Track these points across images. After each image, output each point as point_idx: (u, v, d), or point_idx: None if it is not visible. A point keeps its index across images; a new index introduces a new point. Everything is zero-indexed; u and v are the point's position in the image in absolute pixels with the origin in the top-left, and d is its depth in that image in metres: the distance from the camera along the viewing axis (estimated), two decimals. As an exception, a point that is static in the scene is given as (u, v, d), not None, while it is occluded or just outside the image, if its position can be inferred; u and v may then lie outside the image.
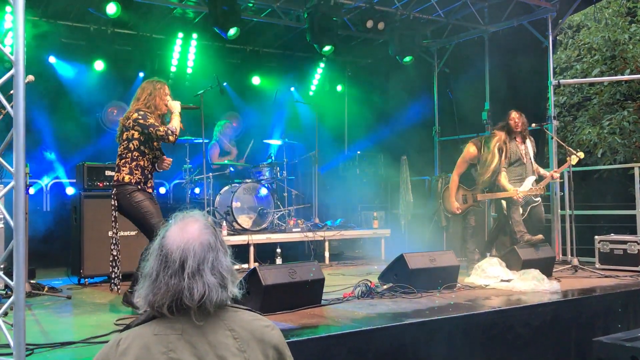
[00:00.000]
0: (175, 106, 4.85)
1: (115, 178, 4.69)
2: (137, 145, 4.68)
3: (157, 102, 4.78)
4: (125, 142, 4.68)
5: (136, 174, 4.66)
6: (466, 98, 9.24)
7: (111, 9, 6.92)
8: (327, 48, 8.35)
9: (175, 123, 4.77)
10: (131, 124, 4.65)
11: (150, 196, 4.74)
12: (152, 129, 4.62)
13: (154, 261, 1.76)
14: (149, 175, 4.79)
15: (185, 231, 1.79)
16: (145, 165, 4.73)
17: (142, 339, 1.71)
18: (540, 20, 8.37)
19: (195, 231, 1.80)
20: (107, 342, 1.80)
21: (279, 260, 7.22)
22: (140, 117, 4.63)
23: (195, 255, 1.75)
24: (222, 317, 1.78)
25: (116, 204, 4.67)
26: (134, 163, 4.68)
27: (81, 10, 7.65)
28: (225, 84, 9.49)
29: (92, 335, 3.73)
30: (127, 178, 4.64)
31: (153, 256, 1.78)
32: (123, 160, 4.68)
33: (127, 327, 1.80)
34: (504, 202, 6.63)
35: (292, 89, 10.56)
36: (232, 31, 7.59)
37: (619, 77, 11.20)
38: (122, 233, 6.29)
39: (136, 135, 4.66)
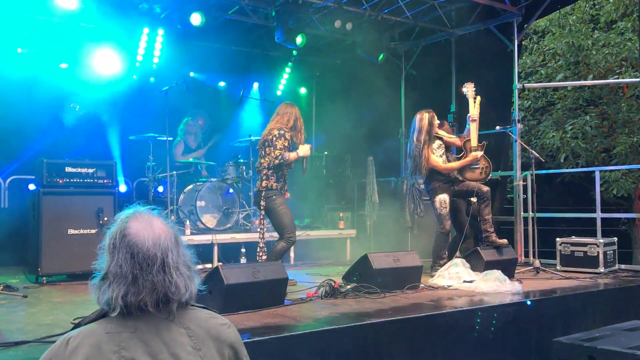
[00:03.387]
0: (304, 151, 5.97)
1: (263, 185, 5.84)
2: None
3: (298, 125, 6.03)
4: (270, 154, 5.82)
5: (280, 181, 5.89)
6: (432, 100, 9.30)
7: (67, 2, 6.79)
8: (299, 40, 8.33)
9: (292, 156, 5.85)
10: (270, 140, 5.85)
11: (285, 200, 5.93)
12: (271, 147, 5.83)
13: (122, 262, 1.69)
14: (285, 181, 6.00)
15: (153, 227, 1.75)
16: (285, 173, 5.98)
17: (93, 337, 1.66)
18: (506, 24, 8.46)
19: (162, 226, 1.78)
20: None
21: (243, 260, 7.15)
22: (275, 136, 5.83)
23: (172, 250, 1.74)
24: (177, 315, 1.74)
25: (265, 205, 5.81)
26: (280, 172, 5.89)
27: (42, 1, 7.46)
28: (192, 74, 9.43)
29: (47, 334, 3.62)
30: (274, 185, 5.84)
31: (117, 257, 1.71)
32: (271, 171, 5.84)
33: (77, 325, 1.74)
34: (473, 199, 6.63)
35: (256, 85, 10.45)
36: (198, 18, 7.57)
37: (582, 82, 11.41)
38: (81, 231, 6.22)
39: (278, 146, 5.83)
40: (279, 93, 11.06)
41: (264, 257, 5.92)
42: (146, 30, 8.74)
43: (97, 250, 1.78)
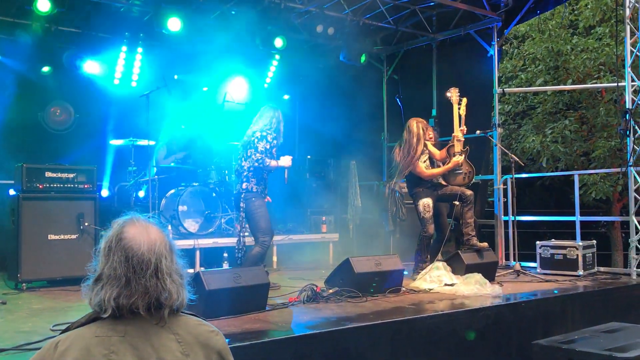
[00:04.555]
0: (285, 162, 6.02)
1: (243, 186, 5.89)
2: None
3: (280, 128, 6.15)
4: (251, 157, 5.86)
5: (261, 183, 5.95)
6: (414, 104, 9.37)
7: (44, 5, 6.76)
8: (280, 42, 8.32)
9: (272, 163, 5.92)
10: (252, 142, 5.90)
11: (265, 203, 6.00)
12: (252, 149, 5.86)
13: (116, 264, 1.72)
14: (267, 185, 6.08)
15: (149, 233, 1.79)
16: (265, 176, 6.02)
17: (82, 340, 1.67)
18: (487, 29, 8.56)
19: (158, 232, 1.81)
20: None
21: (225, 265, 7.13)
22: (258, 138, 5.88)
23: (166, 257, 1.77)
24: (167, 321, 1.76)
25: (244, 206, 5.88)
26: (260, 175, 5.94)
27: (21, 6, 7.41)
28: (176, 76, 9.41)
29: (25, 341, 3.59)
30: (255, 188, 5.89)
31: (112, 259, 1.73)
32: (252, 173, 5.88)
33: (67, 329, 1.75)
34: (457, 203, 6.66)
35: (239, 88, 10.35)
36: (176, 24, 7.60)
37: (562, 87, 11.56)
38: (62, 236, 6.17)
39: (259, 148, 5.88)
40: (262, 96, 11.03)
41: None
42: (126, 34, 8.69)
43: (93, 253, 1.81)
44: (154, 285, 1.72)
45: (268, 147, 5.94)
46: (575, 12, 12.46)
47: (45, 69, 8.53)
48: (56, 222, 6.18)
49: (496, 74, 8.46)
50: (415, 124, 6.62)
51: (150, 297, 1.71)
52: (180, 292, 1.79)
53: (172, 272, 1.78)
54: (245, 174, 5.94)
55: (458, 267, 6.05)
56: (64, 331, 1.74)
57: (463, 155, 6.55)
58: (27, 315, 4.68)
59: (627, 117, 6.73)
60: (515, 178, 7.38)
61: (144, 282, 1.71)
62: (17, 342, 3.61)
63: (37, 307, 5.09)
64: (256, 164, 5.83)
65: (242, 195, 5.90)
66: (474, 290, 5.52)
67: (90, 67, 8.81)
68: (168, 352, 1.70)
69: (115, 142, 8.27)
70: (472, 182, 6.75)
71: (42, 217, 6.11)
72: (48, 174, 6.25)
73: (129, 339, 1.68)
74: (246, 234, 6.17)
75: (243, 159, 6.01)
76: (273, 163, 5.94)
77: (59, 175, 6.32)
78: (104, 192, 8.70)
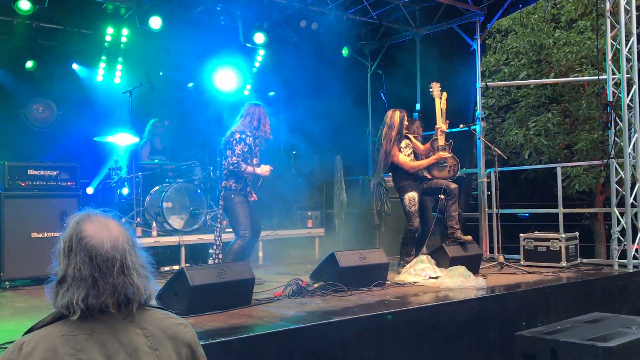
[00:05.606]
0: (262, 170, 5.98)
1: (222, 184, 5.91)
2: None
3: (263, 127, 6.02)
4: (228, 158, 5.83)
5: (240, 182, 5.89)
6: (398, 99, 9.39)
7: (24, 4, 6.77)
8: (261, 38, 8.34)
9: (249, 169, 5.87)
10: (230, 142, 5.86)
11: (246, 200, 5.97)
12: (230, 151, 5.82)
13: (80, 265, 1.68)
14: (249, 183, 6.05)
15: (110, 229, 1.74)
16: (246, 176, 5.94)
17: (48, 340, 1.64)
18: (469, 24, 8.60)
19: (118, 227, 1.77)
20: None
21: (211, 261, 7.11)
22: (236, 140, 5.83)
23: (130, 252, 1.74)
24: (135, 316, 1.74)
25: (222, 204, 5.90)
26: (238, 174, 5.85)
27: (2, 1, 7.33)
28: (161, 73, 9.36)
29: (9, 340, 3.56)
30: (233, 186, 5.86)
31: (75, 260, 1.69)
32: (229, 172, 5.85)
33: (31, 329, 1.71)
34: (442, 196, 6.68)
35: (224, 84, 10.29)
36: (157, 22, 7.57)
37: (544, 81, 11.64)
38: (45, 234, 6.13)
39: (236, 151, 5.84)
40: (246, 92, 11.00)
41: (220, 256, 5.96)
42: (110, 30, 8.62)
43: (51, 254, 1.76)
44: (121, 283, 1.69)
45: (246, 149, 5.87)
46: (557, 6, 12.54)
47: (29, 64, 8.46)
48: (39, 220, 6.12)
49: (479, 68, 8.51)
50: (391, 115, 6.63)
51: (119, 294, 1.69)
52: (147, 285, 1.77)
53: (137, 266, 1.75)
54: (225, 172, 5.93)
55: (442, 260, 6.09)
56: (28, 331, 1.71)
57: (448, 150, 6.58)
58: (10, 314, 4.65)
59: (609, 110, 6.79)
60: (499, 171, 7.42)
61: (112, 280, 1.68)
62: (1, 341, 3.59)
63: (20, 305, 5.05)
64: (231, 167, 5.80)
65: (222, 194, 5.90)
66: (458, 282, 5.56)
67: (73, 63, 8.76)
68: (136, 347, 1.68)
69: (99, 139, 8.21)
70: (457, 175, 6.78)
71: (25, 215, 6.06)
72: (30, 172, 6.19)
73: (96, 336, 1.65)
74: (221, 233, 6.11)
75: (224, 157, 5.99)
76: (249, 169, 5.88)
77: (42, 172, 6.26)
78: (89, 190, 8.65)
